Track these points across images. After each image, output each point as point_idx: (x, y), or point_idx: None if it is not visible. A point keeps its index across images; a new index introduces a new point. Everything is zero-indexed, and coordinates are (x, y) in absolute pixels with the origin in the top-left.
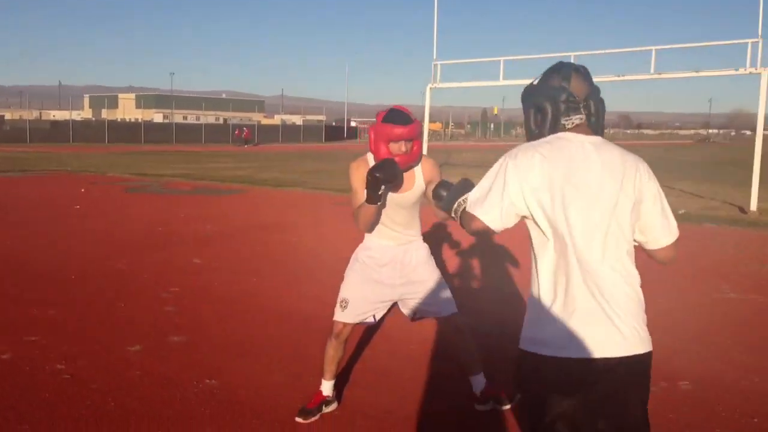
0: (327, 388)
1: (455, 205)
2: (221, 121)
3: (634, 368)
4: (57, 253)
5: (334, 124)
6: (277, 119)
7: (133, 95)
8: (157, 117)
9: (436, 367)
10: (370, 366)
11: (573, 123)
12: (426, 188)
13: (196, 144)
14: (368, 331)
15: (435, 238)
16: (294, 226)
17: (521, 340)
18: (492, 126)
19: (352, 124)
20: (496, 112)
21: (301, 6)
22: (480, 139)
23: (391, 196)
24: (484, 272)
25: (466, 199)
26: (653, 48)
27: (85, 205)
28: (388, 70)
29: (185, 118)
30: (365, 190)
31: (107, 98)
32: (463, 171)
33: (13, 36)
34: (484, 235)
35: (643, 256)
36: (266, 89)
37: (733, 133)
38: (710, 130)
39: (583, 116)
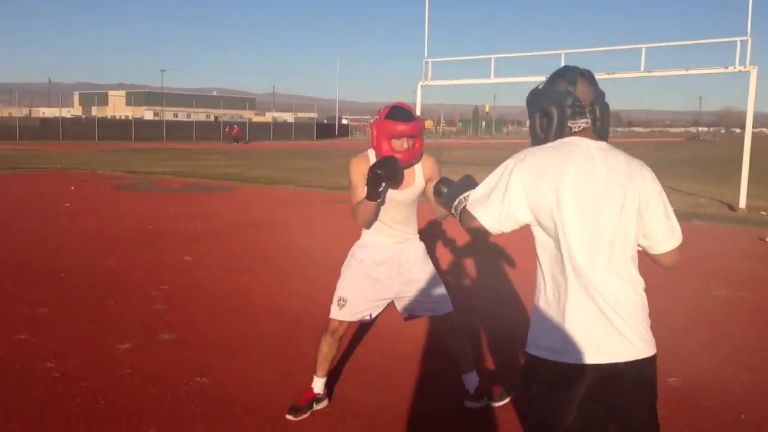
0: (318, 385)
1: (456, 202)
2: (212, 119)
3: (641, 372)
4: (47, 251)
5: (325, 121)
6: (268, 117)
7: (123, 92)
8: (148, 114)
9: (428, 366)
10: (362, 364)
11: (579, 126)
12: (426, 186)
13: (186, 141)
14: (360, 329)
15: (430, 236)
16: (285, 223)
17: (528, 344)
18: (483, 123)
19: (344, 121)
20: (487, 109)
21: (292, 3)
22: (471, 137)
23: (391, 193)
24: (479, 271)
25: (467, 196)
26: (643, 46)
27: (75, 202)
28: (380, 67)
29: (176, 115)
30: (366, 187)
31: (97, 95)
32: (454, 168)
33: (3, 32)
34: (481, 234)
35: (644, 260)
36: (257, 86)
37: (723, 131)
38: (700, 128)
39: (589, 121)
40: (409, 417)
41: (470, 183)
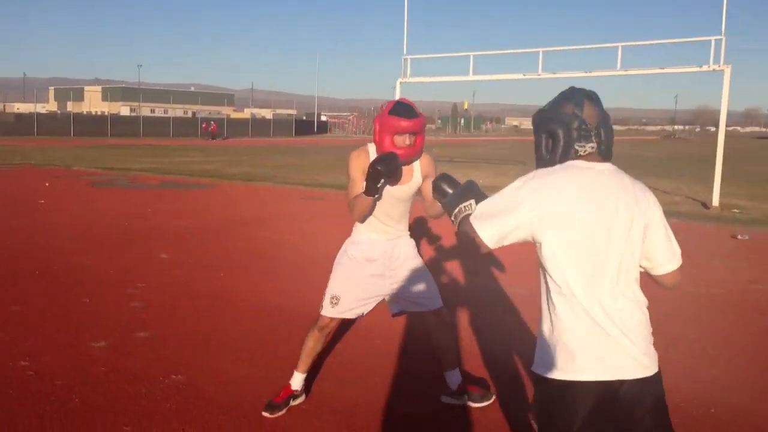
0: (297, 381)
1: (456, 210)
2: (190, 115)
3: (647, 388)
4: (21, 249)
5: (304, 118)
6: (246, 113)
7: (99, 88)
8: (124, 110)
9: (405, 363)
10: (339, 360)
11: (586, 151)
12: (422, 183)
13: (164, 138)
14: (338, 326)
15: (418, 234)
16: (264, 221)
17: (535, 364)
18: (462, 121)
19: (323, 118)
20: (466, 106)
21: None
22: (450, 134)
23: (388, 189)
24: (465, 269)
25: (469, 204)
26: (620, 44)
27: (50, 199)
28: (359, 64)
29: (153, 111)
30: (365, 182)
31: (73, 90)
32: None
33: None
34: (477, 244)
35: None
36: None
37: (698, 130)
38: (676, 126)
39: (595, 144)
40: (386, 414)
41: (473, 189)
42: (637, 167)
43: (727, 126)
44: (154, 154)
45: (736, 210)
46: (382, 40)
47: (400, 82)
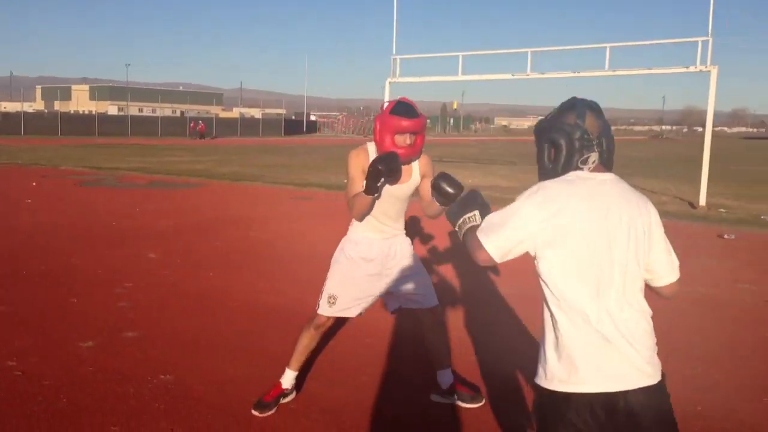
0: (288, 379)
1: (461, 221)
2: (178, 114)
3: (652, 397)
4: (8, 248)
5: (293, 117)
6: (235, 112)
7: (86, 86)
8: (112, 109)
9: (394, 361)
10: (328, 359)
11: (592, 160)
12: (420, 182)
13: (152, 137)
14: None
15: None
16: (253, 220)
17: (537, 376)
18: (451, 120)
19: (312, 117)
20: (455, 106)
21: None
22: (439, 134)
23: (387, 188)
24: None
25: (473, 215)
26: (608, 45)
27: (37, 199)
28: (349, 63)
29: (141, 110)
30: (365, 181)
31: (60, 89)
32: None
33: None
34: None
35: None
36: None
37: (685, 130)
38: (663, 127)
39: (597, 154)
40: (375, 414)
41: (477, 201)
42: (625, 167)
43: (714, 126)
44: (142, 153)
45: (722, 210)
46: (372, 39)
47: (390, 82)
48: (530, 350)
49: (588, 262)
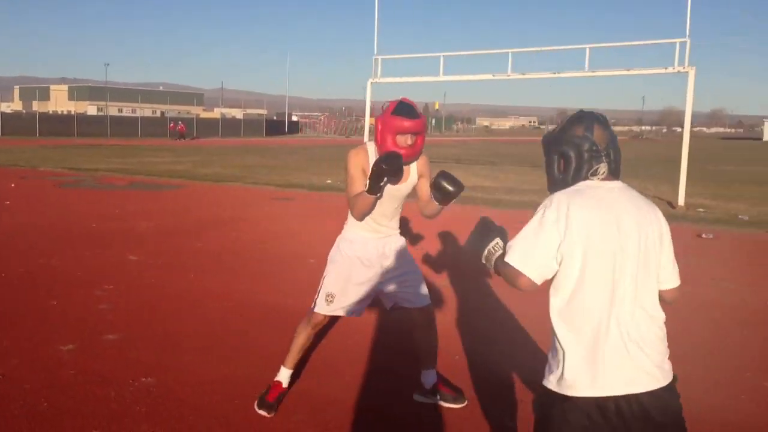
0: (286, 377)
1: (486, 252)
2: (158, 114)
3: (661, 400)
4: None
5: (275, 118)
6: (216, 113)
7: (65, 87)
8: (91, 109)
9: (379, 360)
10: (314, 356)
11: (602, 171)
12: (418, 182)
13: (132, 138)
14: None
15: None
16: (234, 221)
17: (546, 379)
18: (433, 121)
19: (294, 118)
20: (437, 107)
21: None
22: None
23: (387, 188)
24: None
25: (496, 244)
26: (587, 46)
27: (16, 200)
28: (330, 64)
29: (120, 110)
30: (368, 181)
31: (38, 89)
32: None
33: None
34: (529, 288)
35: None
36: (205, 82)
37: (664, 130)
38: (643, 127)
39: (606, 165)
40: (362, 411)
41: (492, 228)
42: None
43: (692, 127)
44: (122, 154)
45: (701, 209)
46: (353, 40)
47: (371, 83)
48: (520, 352)
49: (600, 269)
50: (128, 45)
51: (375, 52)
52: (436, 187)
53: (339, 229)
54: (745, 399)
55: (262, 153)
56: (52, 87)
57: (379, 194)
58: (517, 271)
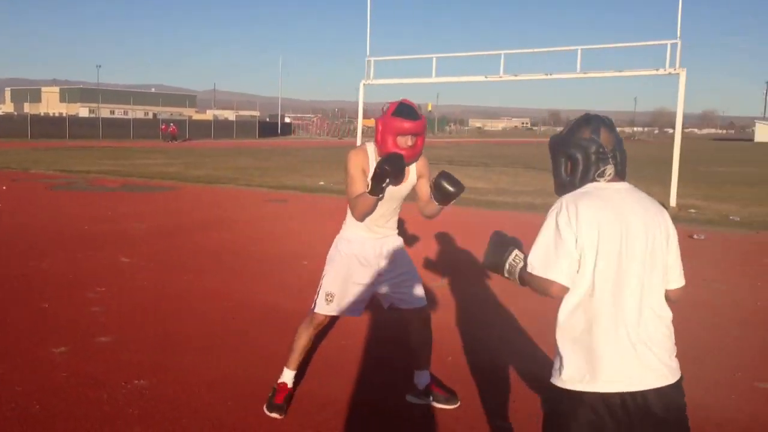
0: (290, 378)
1: (507, 266)
2: (150, 116)
3: (667, 397)
4: None
5: (267, 119)
6: (209, 114)
7: (57, 89)
8: (83, 111)
9: (370, 360)
10: (306, 358)
11: (608, 174)
12: (417, 182)
13: (124, 139)
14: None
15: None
16: (227, 223)
17: (553, 376)
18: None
19: (287, 119)
20: (430, 108)
21: None
22: None
23: (387, 188)
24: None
25: (516, 257)
26: (579, 47)
27: (7, 203)
28: (323, 65)
29: (112, 112)
30: (371, 182)
31: (30, 92)
32: None
33: None
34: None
35: None
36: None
37: (656, 131)
38: (635, 128)
39: (613, 167)
40: (352, 410)
41: (507, 240)
42: None
43: (684, 128)
44: (114, 156)
45: (692, 210)
46: (346, 41)
47: (364, 84)
48: (513, 353)
49: (608, 269)
50: (120, 47)
51: (367, 54)
52: (436, 187)
53: (333, 231)
54: (736, 399)
55: (254, 155)
56: (43, 89)
57: (380, 195)
58: (547, 280)
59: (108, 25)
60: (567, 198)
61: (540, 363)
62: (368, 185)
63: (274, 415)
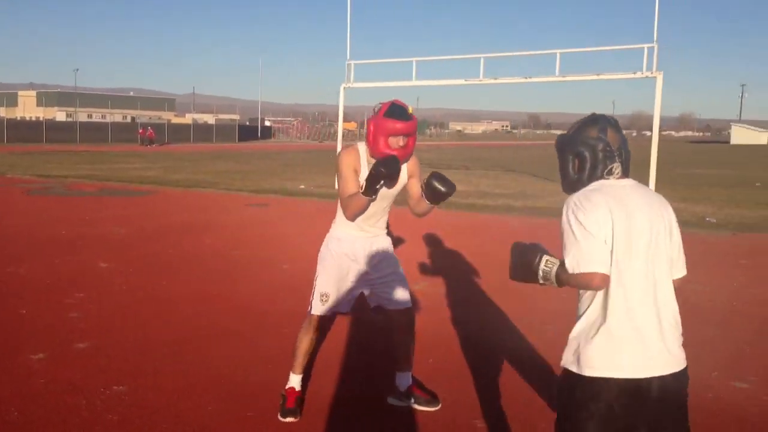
0: (297, 382)
1: (541, 272)
2: (129, 120)
3: (675, 383)
4: None
5: (247, 123)
6: (188, 118)
7: (33, 92)
8: (60, 115)
9: (353, 361)
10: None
11: (616, 170)
12: (408, 182)
13: (102, 144)
14: (290, 325)
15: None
16: (206, 227)
17: (567, 362)
18: None
19: (267, 123)
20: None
21: (213, 1)
22: None
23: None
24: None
25: (547, 261)
26: (558, 51)
27: None
28: (303, 69)
29: (90, 116)
30: (365, 182)
31: (6, 96)
32: None
33: None
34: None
35: None
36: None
37: (634, 134)
38: None
39: (620, 165)
40: (343, 408)
41: (530, 247)
42: None
43: (661, 130)
44: (92, 160)
45: None
46: (327, 45)
47: (344, 88)
48: (495, 355)
49: (620, 260)
50: (98, 50)
51: (348, 57)
52: (428, 187)
53: (314, 234)
54: (712, 398)
55: (234, 158)
56: (20, 93)
57: (374, 196)
58: (588, 273)
59: (85, 28)
60: (578, 195)
61: (523, 364)
62: (362, 186)
63: (289, 419)
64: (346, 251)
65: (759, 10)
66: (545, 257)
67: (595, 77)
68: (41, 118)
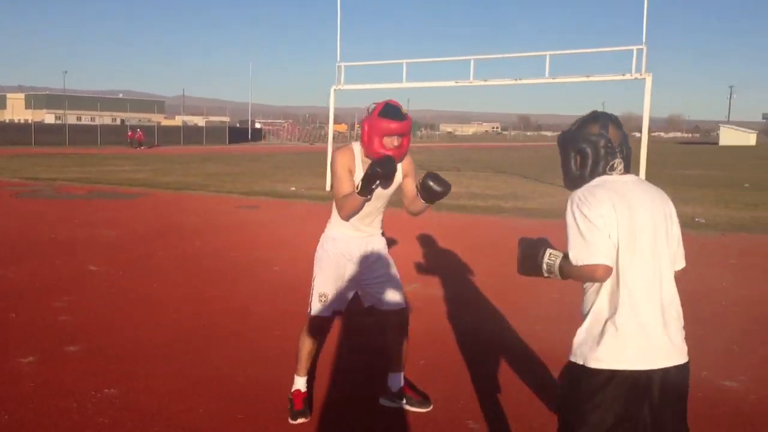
0: (302, 384)
1: (545, 267)
2: (118, 122)
3: (678, 375)
4: None
5: (238, 125)
6: (178, 120)
7: (22, 95)
8: (49, 118)
9: (345, 361)
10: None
11: (618, 166)
12: (402, 181)
13: (91, 146)
14: (283, 326)
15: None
16: (196, 230)
17: (574, 355)
18: None
19: (257, 125)
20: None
21: (203, 3)
22: None
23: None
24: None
25: (552, 254)
26: (548, 53)
27: None
28: (294, 71)
29: (79, 119)
30: (360, 182)
31: None
32: None
33: None
34: (604, 275)
35: None
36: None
37: None
38: None
39: (621, 161)
40: (334, 406)
41: (534, 243)
42: None
43: (650, 131)
44: (81, 163)
45: None
46: (317, 47)
47: (335, 90)
48: (486, 355)
49: (624, 255)
50: (87, 52)
51: (338, 59)
52: (424, 187)
53: (304, 237)
54: (701, 397)
55: (225, 161)
56: (8, 95)
57: (369, 196)
58: (592, 265)
59: (74, 30)
60: (582, 191)
61: (516, 363)
62: (357, 186)
63: (300, 420)
64: (342, 251)
65: (748, 11)
66: (549, 250)
67: (584, 79)
68: (30, 121)
